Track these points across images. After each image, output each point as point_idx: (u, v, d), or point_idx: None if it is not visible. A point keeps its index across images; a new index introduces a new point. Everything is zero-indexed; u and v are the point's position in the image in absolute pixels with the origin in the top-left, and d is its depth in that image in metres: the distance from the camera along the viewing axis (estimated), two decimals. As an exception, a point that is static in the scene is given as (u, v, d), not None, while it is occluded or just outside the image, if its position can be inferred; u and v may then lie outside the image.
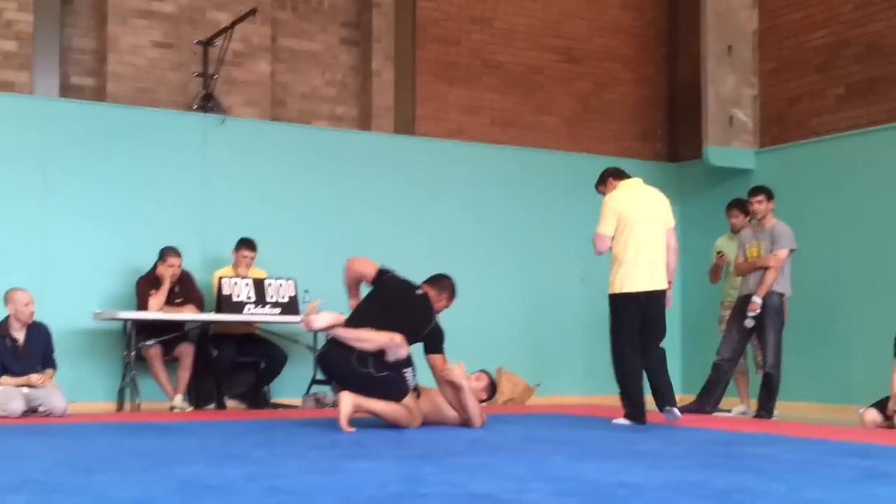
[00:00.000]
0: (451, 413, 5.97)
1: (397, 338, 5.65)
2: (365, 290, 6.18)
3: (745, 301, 7.44)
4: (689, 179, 10.36)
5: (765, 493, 3.29)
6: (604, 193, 6.69)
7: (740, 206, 8.05)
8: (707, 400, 7.52)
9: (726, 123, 9.59)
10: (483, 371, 6.25)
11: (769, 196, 7.54)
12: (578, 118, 10.32)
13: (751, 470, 3.97)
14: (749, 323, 7.36)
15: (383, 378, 5.63)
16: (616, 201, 6.47)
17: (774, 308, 7.36)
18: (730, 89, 9.63)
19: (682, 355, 10.24)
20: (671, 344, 10.23)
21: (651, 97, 10.79)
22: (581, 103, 10.39)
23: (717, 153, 9.53)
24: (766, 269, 7.36)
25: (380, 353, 5.63)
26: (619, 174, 6.72)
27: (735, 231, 8.06)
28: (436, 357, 5.99)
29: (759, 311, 7.30)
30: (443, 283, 6.21)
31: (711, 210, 10.02)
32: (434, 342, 6.03)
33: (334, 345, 5.74)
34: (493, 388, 6.28)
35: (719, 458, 4.50)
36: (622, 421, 6.37)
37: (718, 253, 8.19)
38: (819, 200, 8.79)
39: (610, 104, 10.55)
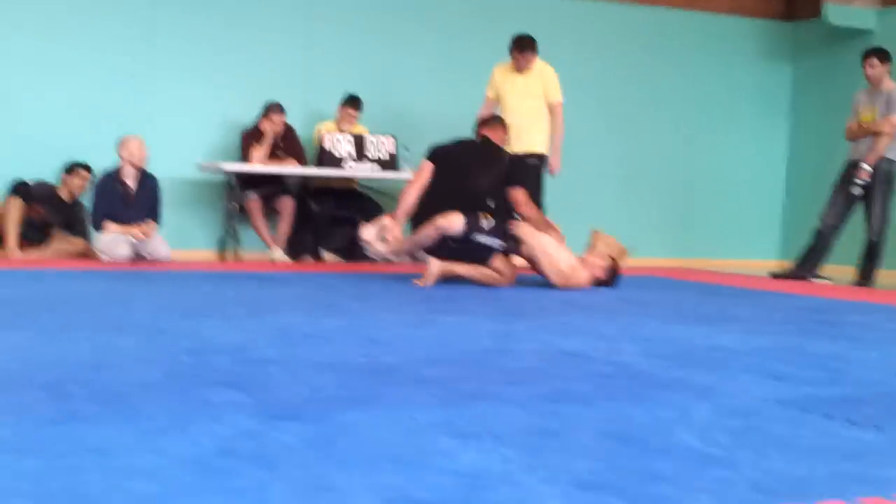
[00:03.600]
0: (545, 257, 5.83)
1: (439, 221, 5.63)
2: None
3: (853, 166, 7.22)
4: (805, 39, 9.96)
5: (860, 361, 3.26)
6: (527, 64, 7.19)
7: None
8: (806, 266, 7.40)
9: (848, -20, 9.14)
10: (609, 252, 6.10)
11: (883, 58, 7.20)
12: (690, -27, 9.93)
13: (847, 338, 3.92)
14: (856, 190, 7.15)
15: (464, 248, 5.68)
16: None
17: (884, 175, 7.13)
18: (854, -56, 9.14)
19: (785, 221, 10.06)
20: (775, 208, 10.09)
21: (767, -48, 10.31)
22: (693, -43, 9.99)
23: (837, 12, 9.10)
24: (878, 134, 7.11)
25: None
26: None
27: None
28: (516, 192, 5.91)
29: (868, 178, 7.09)
30: (492, 119, 6.33)
31: (827, 72, 9.67)
32: (511, 177, 5.97)
33: None
34: (613, 273, 6.01)
35: (815, 324, 4.45)
36: None
37: None
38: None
39: (724, -41, 10.12)
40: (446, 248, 5.70)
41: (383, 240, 5.77)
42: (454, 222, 5.65)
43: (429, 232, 5.70)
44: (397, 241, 5.77)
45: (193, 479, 1.64)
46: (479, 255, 5.73)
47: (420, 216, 5.84)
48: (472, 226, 5.69)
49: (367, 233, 5.83)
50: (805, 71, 9.98)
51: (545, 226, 5.95)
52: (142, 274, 5.99)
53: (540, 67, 7.24)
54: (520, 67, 7.19)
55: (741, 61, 9.96)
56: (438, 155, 6.00)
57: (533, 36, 7.19)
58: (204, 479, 1.64)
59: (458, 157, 6.00)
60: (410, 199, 5.88)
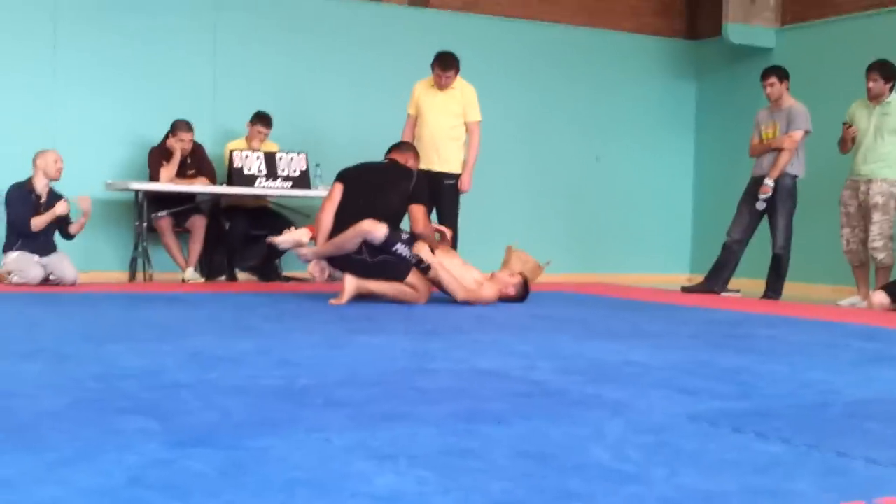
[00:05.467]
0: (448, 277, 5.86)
1: (364, 224, 5.63)
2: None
3: (757, 182, 7.40)
4: (708, 58, 10.19)
5: (768, 374, 3.32)
6: (448, 82, 7.18)
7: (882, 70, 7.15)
8: (715, 280, 7.55)
9: (747, 0, 9.38)
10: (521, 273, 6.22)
11: (781, 77, 7.41)
12: (596, -7, 10.09)
13: (755, 351, 4.00)
14: (760, 205, 7.33)
15: (380, 262, 5.67)
16: None
17: (787, 190, 7.32)
18: (752, -35, 9.39)
19: (693, 236, 10.25)
20: (684, 223, 10.27)
21: (671, -28, 10.53)
22: (599, -23, 10.15)
23: (738, 31, 9.34)
24: (780, 150, 7.29)
25: (367, 243, 5.67)
26: None
27: (871, 98, 7.23)
28: (415, 208, 5.97)
29: (770, 193, 7.27)
30: (402, 145, 6.44)
31: (729, 89, 9.91)
32: (414, 194, 6.02)
33: None
34: (524, 289, 6.08)
35: (725, 338, 4.53)
36: None
37: (845, 123, 7.31)
38: (841, 81, 8.60)
39: (629, -21, 10.31)
40: (361, 263, 5.68)
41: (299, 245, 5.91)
42: (378, 227, 5.65)
43: (351, 236, 5.67)
44: (317, 247, 5.81)
45: (101, 511, 1.60)
46: (396, 270, 5.71)
47: (333, 234, 5.84)
48: (392, 235, 5.70)
49: (284, 240, 5.96)
50: (708, 88, 10.21)
51: (437, 246, 6.01)
52: (48, 297, 5.85)
53: (461, 86, 7.26)
54: (441, 85, 7.18)
55: (647, 79, 10.14)
56: (347, 176, 6.08)
57: (456, 55, 7.19)
58: (112, 511, 1.60)
59: (366, 177, 6.06)
60: (327, 221, 5.92)
